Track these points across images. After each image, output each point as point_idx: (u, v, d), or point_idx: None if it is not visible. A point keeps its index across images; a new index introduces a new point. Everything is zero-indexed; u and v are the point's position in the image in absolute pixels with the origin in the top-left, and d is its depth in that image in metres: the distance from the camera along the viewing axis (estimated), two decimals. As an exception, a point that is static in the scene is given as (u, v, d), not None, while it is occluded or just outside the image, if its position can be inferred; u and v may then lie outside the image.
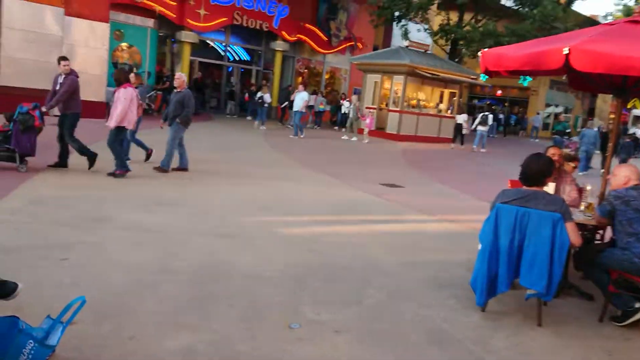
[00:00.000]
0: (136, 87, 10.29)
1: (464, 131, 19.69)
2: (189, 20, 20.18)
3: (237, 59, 24.36)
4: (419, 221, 7.23)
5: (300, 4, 23.69)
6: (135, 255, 4.57)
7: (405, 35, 22.74)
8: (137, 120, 8.67)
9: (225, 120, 20.44)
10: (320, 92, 24.37)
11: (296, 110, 16.95)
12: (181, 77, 8.98)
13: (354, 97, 19.17)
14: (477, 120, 19.30)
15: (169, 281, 4.07)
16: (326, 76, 26.85)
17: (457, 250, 5.85)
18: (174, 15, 19.93)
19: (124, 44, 19.48)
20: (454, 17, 23.72)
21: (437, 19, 24.62)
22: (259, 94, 19.25)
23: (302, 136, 16.64)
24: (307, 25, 24.09)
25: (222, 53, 23.34)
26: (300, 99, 16.91)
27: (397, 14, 23.03)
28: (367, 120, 17.84)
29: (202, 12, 20.39)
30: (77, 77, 8.27)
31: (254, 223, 6.08)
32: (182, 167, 9.01)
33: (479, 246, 4.04)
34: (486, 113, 19.57)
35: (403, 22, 23.20)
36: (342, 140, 17.91)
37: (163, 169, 8.66)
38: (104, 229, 5.27)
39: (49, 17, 13.93)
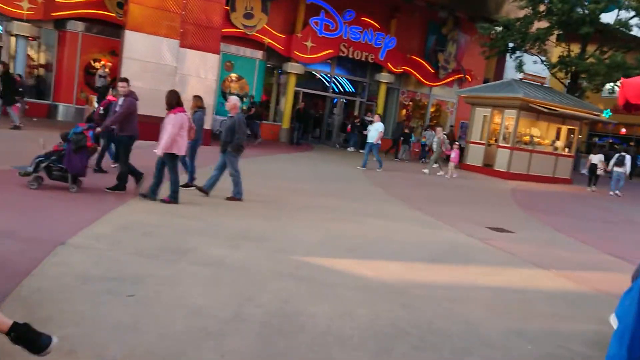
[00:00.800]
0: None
1: (599, 172, 17.78)
2: (295, 52, 20.53)
3: (341, 90, 24.37)
4: (530, 276, 6.26)
5: (408, 36, 23.28)
6: (207, 296, 4.22)
7: (519, 67, 21.38)
8: (191, 145, 8.54)
9: (326, 151, 20.32)
10: (422, 126, 23.60)
11: (370, 142, 15.65)
12: (231, 100, 8.42)
13: (439, 129, 17.93)
14: (612, 161, 17.38)
15: (236, 332, 3.63)
16: (432, 109, 26.01)
17: (579, 318, 4.87)
18: (282, 48, 20.40)
19: (233, 75, 20.23)
20: (575, 48, 21.95)
21: (555, 50, 22.94)
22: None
23: (378, 170, 15.56)
24: (413, 57, 23.58)
25: (327, 84, 23.46)
26: (375, 130, 15.69)
27: (511, 45, 21.78)
28: (453, 154, 16.61)
29: (309, 44, 20.67)
30: (137, 99, 8.36)
31: (338, 266, 5.54)
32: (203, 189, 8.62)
33: (615, 323, 3.17)
34: (622, 153, 17.53)
35: (518, 53, 21.87)
36: (439, 175, 16.93)
37: (236, 198, 8.40)
38: (182, 262, 5.02)
39: (165, 49, 14.71)
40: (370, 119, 20.27)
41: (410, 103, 25.46)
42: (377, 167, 15.52)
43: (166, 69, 14.91)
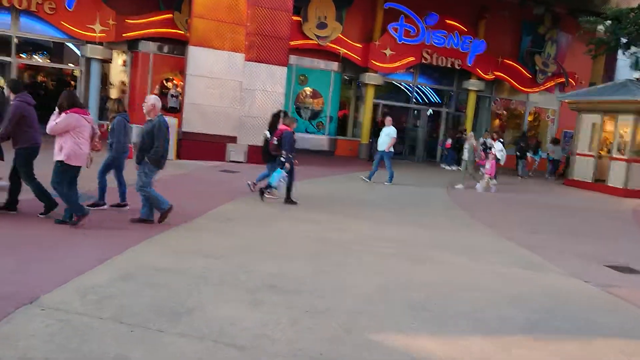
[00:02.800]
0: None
1: None
2: (373, 61, 19.10)
3: (425, 100, 22.52)
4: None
5: (499, 38, 21.01)
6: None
7: (636, 65, 18.39)
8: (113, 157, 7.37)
9: (409, 167, 18.57)
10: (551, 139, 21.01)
11: (381, 150, 13.06)
12: (149, 100, 6.77)
13: (470, 135, 15.01)
14: None
15: None
16: (529, 118, 23.34)
17: None
18: (358, 58, 19.05)
19: (307, 89, 19.16)
20: None
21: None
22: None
23: (386, 183, 13.03)
24: (506, 61, 21.22)
25: (409, 95, 21.73)
26: (386, 135, 13.01)
27: (623, 40, 18.81)
28: (487, 166, 13.82)
29: (387, 52, 19.15)
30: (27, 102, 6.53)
31: (391, 341, 3.96)
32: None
33: None
34: None
35: (633, 49, 18.83)
36: (541, 193, 14.54)
37: (144, 219, 6.82)
38: (172, 333, 3.69)
39: (230, 64, 13.90)
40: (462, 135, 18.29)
41: (504, 112, 23.00)
42: (386, 180, 13.03)
43: (231, 84, 14.07)
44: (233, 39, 13.95)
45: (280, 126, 9.23)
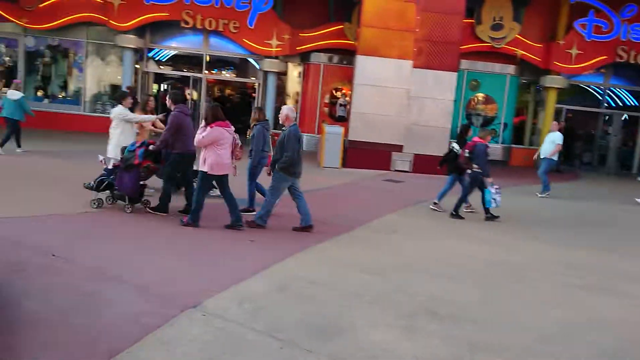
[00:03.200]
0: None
1: None
2: (556, 62, 17.31)
3: (619, 104, 19.75)
4: None
5: None
6: None
7: None
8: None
9: (598, 179, 16.42)
10: None
11: (544, 157, 11.70)
12: (283, 110, 6.96)
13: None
14: None
15: None
16: None
17: None
18: (539, 59, 17.42)
19: (480, 95, 18.10)
20: None
21: None
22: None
23: (544, 195, 11.49)
24: None
25: (599, 98, 19.25)
26: (551, 142, 11.77)
27: None
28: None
29: (574, 52, 17.21)
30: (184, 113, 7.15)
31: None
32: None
33: None
34: None
35: None
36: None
37: (257, 224, 6.86)
38: (322, 354, 3.53)
39: (398, 71, 13.68)
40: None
41: None
42: (539, 192, 11.64)
43: (398, 92, 13.82)
44: (401, 46, 13.71)
45: (475, 138, 8.79)
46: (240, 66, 19.38)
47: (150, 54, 17.83)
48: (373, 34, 13.64)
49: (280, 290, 4.71)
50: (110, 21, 15.91)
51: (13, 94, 11.53)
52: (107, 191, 7.21)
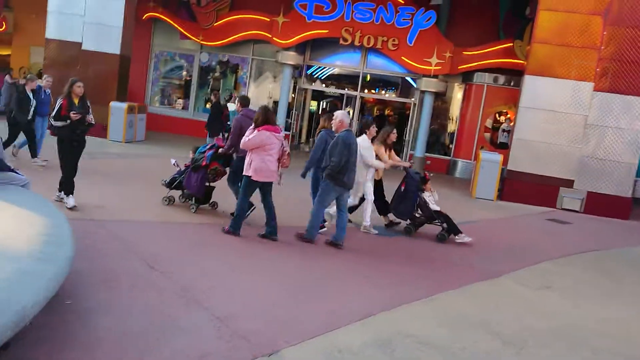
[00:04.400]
0: None
1: None
2: None
3: None
4: None
5: None
6: None
7: None
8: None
9: None
10: None
11: None
12: (337, 116, 6.63)
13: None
14: None
15: None
16: None
17: None
18: None
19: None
20: None
21: None
22: None
23: None
24: None
25: None
26: None
27: None
28: None
29: None
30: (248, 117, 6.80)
31: None
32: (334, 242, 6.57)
33: None
34: None
35: None
36: None
37: (306, 240, 6.56)
38: None
39: (574, 95, 11.77)
40: None
41: None
42: None
43: (573, 119, 11.89)
44: (580, 66, 11.79)
45: None
46: (399, 85, 18.71)
47: (310, 71, 18.06)
48: (546, 52, 11.95)
49: (381, 346, 3.81)
50: (274, 38, 16.39)
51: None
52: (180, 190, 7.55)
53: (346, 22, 15.83)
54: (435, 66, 15.67)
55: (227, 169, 7.28)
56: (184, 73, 18.79)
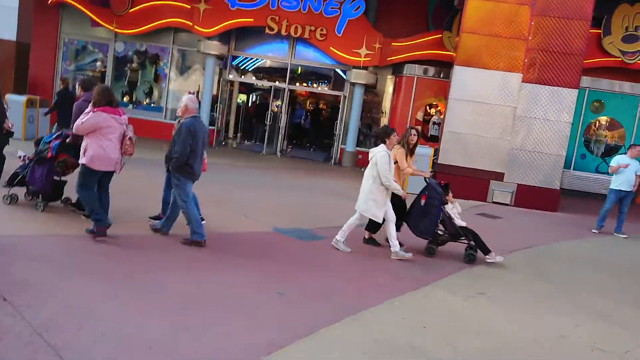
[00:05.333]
0: None
1: None
2: None
3: None
4: None
5: None
6: None
7: None
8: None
9: None
10: None
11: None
12: (182, 100, 5.93)
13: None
14: None
15: None
16: None
17: None
18: (683, 77, 14.35)
19: (602, 118, 15.29)
20: None
21: None
22: None
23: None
24: None
25: None
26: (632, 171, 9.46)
27: None
28: None
29: None
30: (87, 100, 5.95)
31: None
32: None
33: None
34: None
35: None
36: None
37: (196, 241, 5.88)
38: None
39: (503, 86, 11.58)
40: None
41: None
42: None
43: (502, 110, 11.70)
44: (509, 56, 11.59)
45: None
46: (329, 77, 18.11)
47: (235, 62, 17.09)
48: (475, 42, 11.67)
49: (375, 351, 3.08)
50: (195, 27, 15.32)
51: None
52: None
53: (272, 10, 15.00)
54: (364, 57, 15.18)
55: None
56: (98, 64, 17.30)
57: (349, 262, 6.20)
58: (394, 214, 6.41)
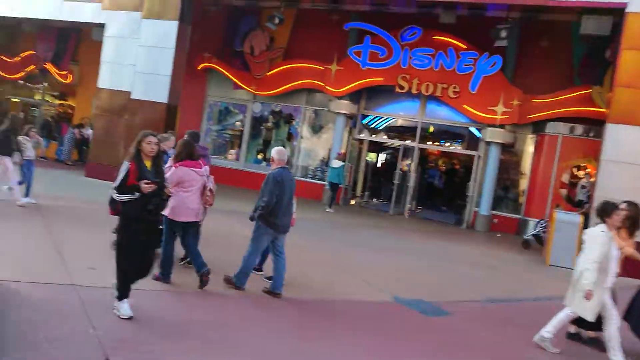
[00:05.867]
0: None
1: None
2: None
3: None
4: None
5: None
6: None
7: None
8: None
9: None
10: None
11: None
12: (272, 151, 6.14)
13: None
14: None
15: None
16: None
17: None
18: None
19: None
20: None
21: None
22: None
23: None
24: None
25: None
26: None
27: None
28: None
29: None
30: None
31: None
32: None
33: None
34: None
35: None
36: None
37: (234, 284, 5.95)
38: None
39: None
40: None
41: None
42: None
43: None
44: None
45: None
46: (462, 136, 17.34)
47: (365, 121, 17.11)
48: (631, 97, 10.36)
49: None
50: (327, 87, 15.69)
51: (336, 163, 14.40)
52: None
53: (403, 69, 14.85)
54: (501, 115, 14.24)
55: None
56: (237, 123, 18.43)
57: (483, 347, 5.38)
58: (616, 314, 5.30)
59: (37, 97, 21.33)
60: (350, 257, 8.78)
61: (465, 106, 14.58)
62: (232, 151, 18.39)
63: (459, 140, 18.02)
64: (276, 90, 16.60)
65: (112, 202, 4.72)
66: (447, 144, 18.46)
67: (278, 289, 5.94)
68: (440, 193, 19.30)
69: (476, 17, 13.87)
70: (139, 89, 14.01)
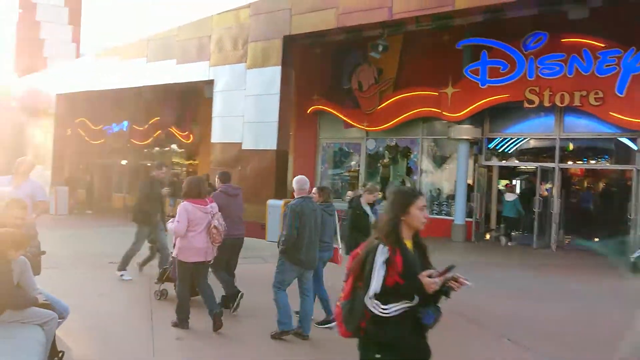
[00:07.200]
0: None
1: None
2: None
3: None
4: None
5: None
6: None
7: None
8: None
9: None
10: None
11: None
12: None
13: None
14: None
15: None
16: None
17: None
18: None
19: None
20: None
21: None
22: None
23: None
24: None
25: None
26: None
27: None
28: None
29: None
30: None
31: None
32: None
33: None
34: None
35: None
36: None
37: (284, 333, 5.51)
38: None
39: None
40: None
41: None
42: None
43: None
44: None
45: None
46: (610, 150, 14.82)
47: (491, 145, 15.35)
48: None
49: None
50: (444, 113, 14.33)
51: (509, 196, 14.04)
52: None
53: (530, 80, 12.99)
54: (661, 119, 11.76)
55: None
56: (353, 163, 17.65)
57: None
58: None
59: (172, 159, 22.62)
60: (486, 304, 7.23)
61: (612, 113, 12.28)
62: (350, 192, 17.52)
63: (605, 157, 15.47)
64: (389, 124, 15.59)
65: (357, 316, 2.78)
66: (592, 161, 15.93)
67: (305, 330, 5.54)
68: (590, 218, 16.57)
69: (615, 6, 11.79)
70: (249, 139, 13.88)
